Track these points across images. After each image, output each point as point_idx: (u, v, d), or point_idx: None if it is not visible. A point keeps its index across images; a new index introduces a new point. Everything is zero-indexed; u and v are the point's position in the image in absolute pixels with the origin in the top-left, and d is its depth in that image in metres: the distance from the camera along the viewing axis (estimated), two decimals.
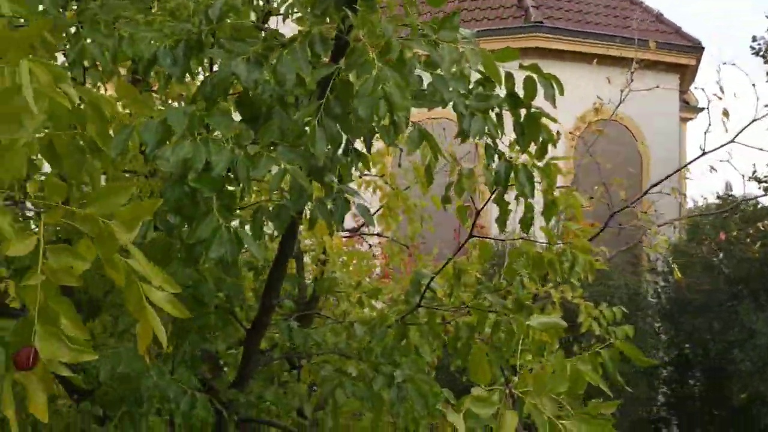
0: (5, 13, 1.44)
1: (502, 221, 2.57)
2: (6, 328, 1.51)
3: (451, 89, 2.09)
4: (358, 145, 2.34)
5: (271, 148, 1.93)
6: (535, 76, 2.24)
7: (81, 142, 1.63)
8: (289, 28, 2.29)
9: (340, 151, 2.14)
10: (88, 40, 2.07)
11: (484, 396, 1.51)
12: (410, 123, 1.89)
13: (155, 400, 2.24)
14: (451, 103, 2.12)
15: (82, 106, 1.60)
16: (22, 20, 1.73)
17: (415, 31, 1.89)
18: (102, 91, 2.56)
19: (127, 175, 2.59)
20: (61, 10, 2.10)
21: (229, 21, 2.26)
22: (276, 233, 3.13)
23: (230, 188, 1.86)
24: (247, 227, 2.14)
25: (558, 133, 5.46)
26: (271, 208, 1.93)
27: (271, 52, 2.08)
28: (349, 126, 1.87)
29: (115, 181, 2.03)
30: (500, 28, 12.64)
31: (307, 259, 4.77)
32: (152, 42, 2.13)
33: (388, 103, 1.69)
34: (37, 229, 1.24)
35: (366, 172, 4.87)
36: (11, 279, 2.33)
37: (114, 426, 2.41)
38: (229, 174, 1.82)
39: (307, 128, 1.86)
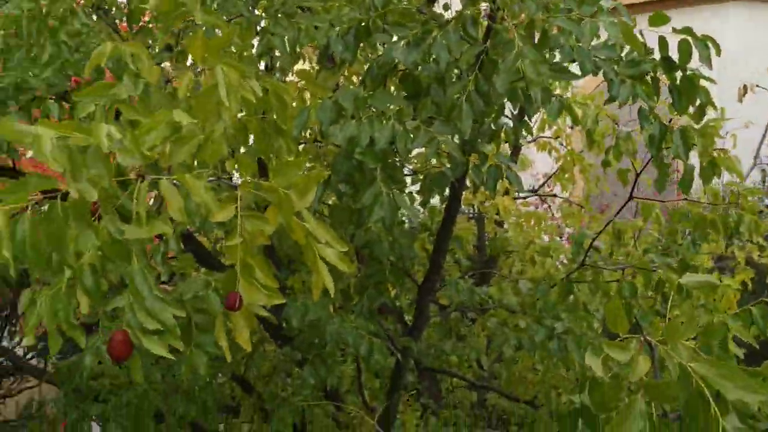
0: (200, 23, 1.78)
1: (660, 183, 2.62)
2: (218, 279, 1.90)
3: (603, 57, 2.21)
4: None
5: (430, 122, 2.17)
6: (689, 38, 2.29)
7: (267, 125, 1.95)
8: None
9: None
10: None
11: (622, 343, 1.67)
12: (552, 95, 2.04)
13: (338, 344, 2.59)
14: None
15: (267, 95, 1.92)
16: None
17: (557, 8, 2.03)
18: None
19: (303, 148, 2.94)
20: (251, 8, 2.46)
21: (392, 7, 2.51)
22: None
23: (392, 160, 2.12)
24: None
25: (744, 87, 5.22)
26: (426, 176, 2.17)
27: (429, 34, 2.31)
28: (496, 101, 2.06)
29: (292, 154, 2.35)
30: None
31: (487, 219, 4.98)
32: (326, 31, 2.43)
33: (524, 79, 1.86)
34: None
35: (541, 134, 4.98)
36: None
37: (309, 365, 2.80)
38: (392, 146, 2.08)
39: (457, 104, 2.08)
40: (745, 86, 4.99)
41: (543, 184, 5.49)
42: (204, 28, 1.83)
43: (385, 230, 2.45)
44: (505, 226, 4.76)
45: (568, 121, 4.97)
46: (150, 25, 3.10)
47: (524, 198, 5.03)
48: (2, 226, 1.29)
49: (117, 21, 3.35)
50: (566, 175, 4.69)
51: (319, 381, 3.08)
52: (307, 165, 3.15)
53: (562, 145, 4.84)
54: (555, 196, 5.04)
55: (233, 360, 3.15)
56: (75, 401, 3.70)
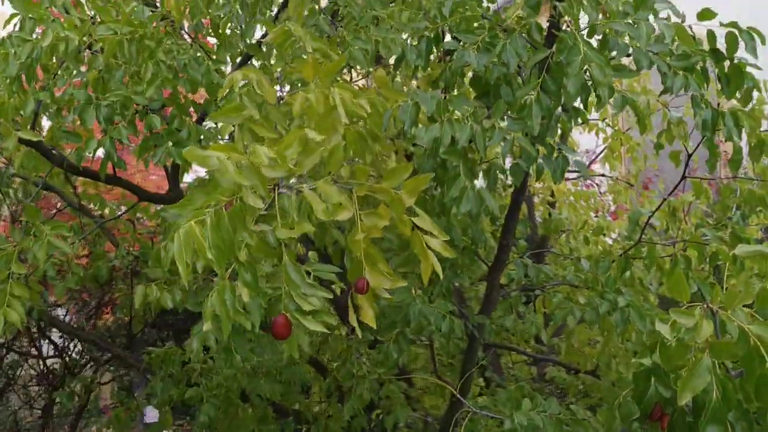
0: (310, 50, 2.04)
1: (711, 163, 2.83)
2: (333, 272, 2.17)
3: (655, 52, 2.43)
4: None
5: (501, 120, 2.42)
6: (735, 31, 2.50)
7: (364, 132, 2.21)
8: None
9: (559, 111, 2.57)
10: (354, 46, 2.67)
11: (686, 310, 1.91)
12: (615, 91, 2.27)
13: (421, 322, 2.86)
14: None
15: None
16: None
17: (614, 14, 2.25)
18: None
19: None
20: (332, 24, 2.73)
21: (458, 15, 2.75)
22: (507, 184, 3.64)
23: (471, 156, 2.37)
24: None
25: None
26: (509, 167, 2.42)
27: (495, 39, 2.55)
28: (561, 100, 2.29)
29: (387, 156, 2.62)
30: None
31: (537, 200, 5.21)
32: (399, 42, 2.69)
33: (592, 80, 2.10)
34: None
35: (588, 116, 5.18)
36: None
37: (392, 342, 3.08)
38: (471, 144, 2.33)
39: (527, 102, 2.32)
40: None
41: (591, 163, 5.70)
42: (312, 54, 2.08)
43: (469, 219, 2.70)
44: (556, 206, 4.99)
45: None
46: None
47: (574, 179, 5.25)
48: (200, 234, 1.56)
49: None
50: (614, 154, 4.89)
51: (396, 359, 3.35)
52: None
53: (609, 126, 5.05)
54: (604, 176, 5.25)
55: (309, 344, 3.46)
56: (171, 385, 4.04)
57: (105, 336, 4.70)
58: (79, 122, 3.06)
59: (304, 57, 3.10)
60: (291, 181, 1.73)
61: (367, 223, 1.78)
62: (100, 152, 3.04)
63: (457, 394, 3.03)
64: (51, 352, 5.39)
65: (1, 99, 2.92)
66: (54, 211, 5.10)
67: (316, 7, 2.87)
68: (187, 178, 4.96)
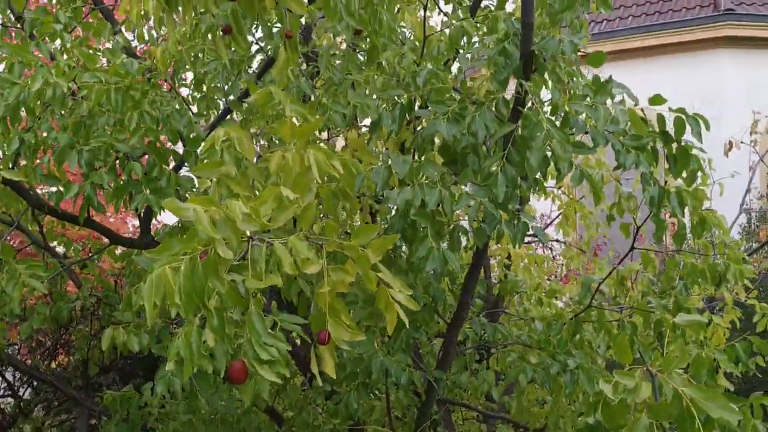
0: (289, 113, 2.20)
1: (658, 236, 3.05)
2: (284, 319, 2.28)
3: (611, 131, 2.65)
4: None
5: (467, 186, 2.59)
6: (683, 116, 2.74)
7: (336, 190, 2.36)
8: None
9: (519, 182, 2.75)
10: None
11: (628, 372, 2.07)
12: (574, 166, 2.47)
13: (381, 374, 2.97)
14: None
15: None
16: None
17: (575, 96, 2.47)
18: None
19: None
20: (313, 88, 2.90)
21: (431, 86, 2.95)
22: (469, 245, 3.80)
23: (439, 219, 2.53)
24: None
25: (730, 143, 5.69)
26: (471, 230, 2.58)
27: (465, 110, 2.74)
28: (524, 170, 2.48)
29: (354, 214, 2.76)
30: (687, 19, 12.32)
31: (492, 262, 5.40)
32: (375, 108, 2.87)
33: (553, 154, 2.29)
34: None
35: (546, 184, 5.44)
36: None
37: (353, 392, 3.19)
38: (439, 208, 2.50)
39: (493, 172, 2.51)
40: (731, 142, 5.46)
41: (545, 228, 5.93)
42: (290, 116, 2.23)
43: (434, 278, 2.85)
44: (511, 268, 5.18)
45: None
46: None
47: (529, 243, 5.45)
48: (171, 279, 1.67)
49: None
50: (568, 221, 5.13)
51: (354, 410, 3.45)
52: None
53: (564, 194, 5.30)
54: (558, 241, 5.47)
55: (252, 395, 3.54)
56: (125, 430, 4.04)
57: (61, 377, 4.68)
58: (53, 165, 3.15)
59: (284, 116, 3.28)
60: (263, 235, 1.86)
61: (334, 278, 1.92)
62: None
63: None
64: (2, 392, 5.32)
65: None
66: (17, 249, 5.10)
67: (298, 70, 3.04)
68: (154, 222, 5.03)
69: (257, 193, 2.23)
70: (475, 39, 3.50)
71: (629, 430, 1.96)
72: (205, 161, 2.11)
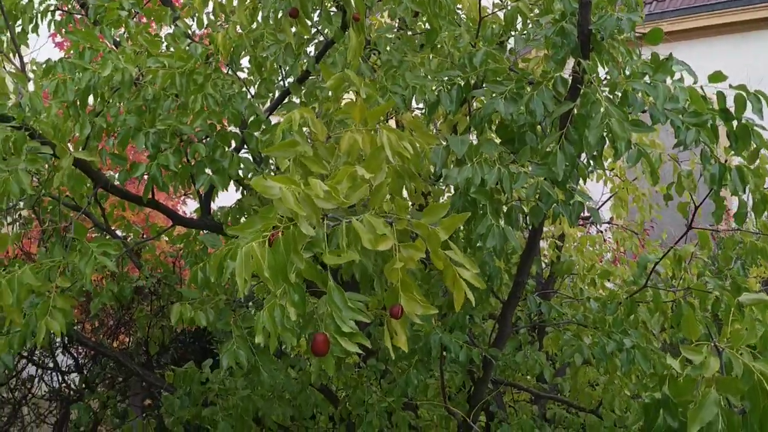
0: (363, 96, 2.25)
1: (718, 215, 3.03)
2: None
3: (670, 109, 2.64)
4: None
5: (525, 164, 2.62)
6: (743, 93, 2.72)
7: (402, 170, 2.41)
8: None
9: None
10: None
11: (695, 348, 2.09)
12: (632, 144, 2.48)
13: (438, 350, 3.03)
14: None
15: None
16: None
17: (635, 74, 2.47)
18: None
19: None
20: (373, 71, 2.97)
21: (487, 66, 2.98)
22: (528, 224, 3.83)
23: (497, 197, 2.57)
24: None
25: None
26: (528, 209, 2.62)
27: (522, 89, 2.77)
28: (582, 149, 2.50)
29: (417, 193, 2.81)
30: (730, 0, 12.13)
31: (543, 244, 5.41)
32: (433, 89, 2.91)
33: (611, 133, 2.31)
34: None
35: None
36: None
37: (412, 369, 3.25)
38: (497, 185, 2.54)
39: (551, 150, 2.53)
40: None
41: (598, 209, 5.90)
42: (364, 97, 2.29)
43: (488, 257, 2.89)
44: (562, 249, 5.18)
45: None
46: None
47: (580, 225, 5.44)
48: (260, 254, 1.74)
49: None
50: (622, 203, 5.10)
51: (414, 386, 3.51)
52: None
53: (616, 176, 5.27)
54: (611, 223, 5.45)
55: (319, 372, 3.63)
56: (188, 404, 4.18)
57: (125, 355, 4.85)
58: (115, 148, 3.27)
59: (338, 99, 3.34)
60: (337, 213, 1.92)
61: (404, 255, 1.97)
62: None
63: (470, 422, 3.18)
64: (67, 368, 5.53)
65: (53, 121, 3.13)
66: None
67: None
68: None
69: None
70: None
71: (698, 405, 1.96)
72: (280, 142, 2.18)
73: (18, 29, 4.03)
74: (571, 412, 4.92)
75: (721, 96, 2.74)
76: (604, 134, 2.43)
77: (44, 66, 3.09)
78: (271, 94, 3.70)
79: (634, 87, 2.47)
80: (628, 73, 2.57)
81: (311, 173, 2.11)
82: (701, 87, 2.76)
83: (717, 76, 2.69)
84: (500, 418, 4.70)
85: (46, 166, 3.63)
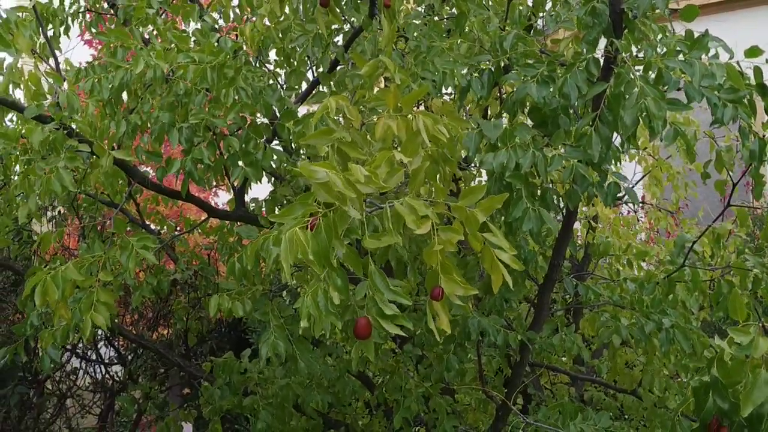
0: (398, 82, 2.26)
1: (757, 192, 2.99)
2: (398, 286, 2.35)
3: (706, 86, 2.61)
4: None
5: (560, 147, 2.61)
6: None
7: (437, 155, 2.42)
8: None
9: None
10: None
11: (742, 328, 2.06)
12: (668, 123, 2.45)
13: (477, 334, 3.04)
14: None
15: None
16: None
17: (670, 52, 2.44)
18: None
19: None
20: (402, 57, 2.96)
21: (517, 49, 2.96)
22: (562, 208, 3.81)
23: (532, 181, 2.56)
24: None
25: None
26: (563, 192, 2.60)
27: (554, 72, 2.75)
28: (617, 129, 2.48)
29: (450, 178, 2.81)
30: None
31: (576, 225, 5.37)
32: (464, 74, 2.90)
33: (647, 113, 2.29)
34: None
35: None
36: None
37: (452, 353, 3.27)
38: (532, 169, 2.53)
39: (586, 132, 2.52)
40: None
41: (632, 188, 5.84)
42: (397, 83, 2.29)
43: (524, 242, 2.88)
44: (598, 231, 5.15)
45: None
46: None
47: (617, 205, 5.40)
48: (303, 239, 1.76)
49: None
50: (657, 183, 5.05)
51: (455, 370, 3.52)
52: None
53: (649, 155, 5.21)
54: (644, 203, 5.40)
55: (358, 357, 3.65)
56: (228, 393, 4.24)
57: (165, 347, 4.93)
58: (150, 144, 3.31)
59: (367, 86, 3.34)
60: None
61: (443, 237, 1.98)
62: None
63: (509, 404, 3.19)
64: (110, 360, 5.64)
65: (89, 120, 3.18)
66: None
67: None
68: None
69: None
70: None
71: (750, 386, 1.94)
72: (317, 130, 2.19)
73: (50, 32, 4.09)
74: (608, 394, 4.90)
75: (758, 71, 2.69)
76: (639, 114, 2.41)
77: (76, 71, 3.14)
78: (296, 87, 3.72)
79: (668, 65, 2.44)
80: (660, 51, 2.53)
81: (349, 159, 2.12)
82: (737, 62, 2.72)
83: (753, 51, 2.65)
84: (537, 401, 4.70)
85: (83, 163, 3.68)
